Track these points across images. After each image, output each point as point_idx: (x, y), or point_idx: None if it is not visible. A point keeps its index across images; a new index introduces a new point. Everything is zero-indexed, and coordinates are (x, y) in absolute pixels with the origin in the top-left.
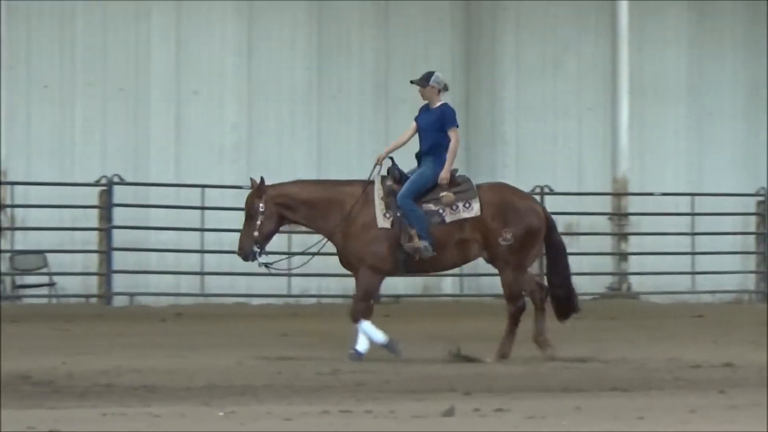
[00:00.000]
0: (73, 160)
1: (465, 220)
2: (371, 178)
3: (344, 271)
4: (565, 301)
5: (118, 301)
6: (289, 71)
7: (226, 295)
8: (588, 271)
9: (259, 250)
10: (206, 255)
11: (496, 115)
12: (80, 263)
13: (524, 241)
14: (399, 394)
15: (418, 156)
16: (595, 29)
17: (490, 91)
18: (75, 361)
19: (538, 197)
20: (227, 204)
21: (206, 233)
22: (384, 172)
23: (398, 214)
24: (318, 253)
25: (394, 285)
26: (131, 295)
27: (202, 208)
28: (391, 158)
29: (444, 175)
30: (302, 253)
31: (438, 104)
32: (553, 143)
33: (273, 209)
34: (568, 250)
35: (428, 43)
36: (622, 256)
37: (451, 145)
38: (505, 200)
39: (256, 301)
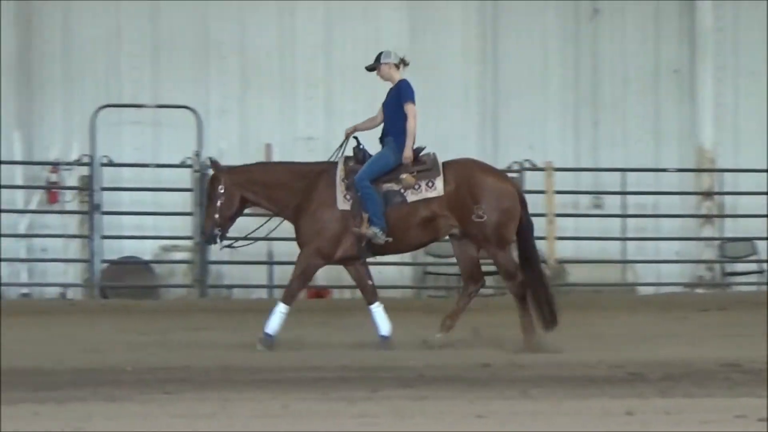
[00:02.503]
0: None
1: (429, 199)
2: (335, 159)
3: None
4: (531, 283)
5: None
6: None
7: None
8: None
9: (221, 232)
10: None
11: None
12: None
13: (500, 218)
14: None
15: (382, 138)
16: None
17: None
18: None
19: None
20: None
21: None
22: (350, 152)
23: (358, 195)
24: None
25: None
26: None
27: None
28: (356, 138)
29: (406, 154)
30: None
31: (397, 81)
32: None
33: (233, 191)
34: None
35: None
36: None
37: (408, 122)
38: (473, 177)
39: None
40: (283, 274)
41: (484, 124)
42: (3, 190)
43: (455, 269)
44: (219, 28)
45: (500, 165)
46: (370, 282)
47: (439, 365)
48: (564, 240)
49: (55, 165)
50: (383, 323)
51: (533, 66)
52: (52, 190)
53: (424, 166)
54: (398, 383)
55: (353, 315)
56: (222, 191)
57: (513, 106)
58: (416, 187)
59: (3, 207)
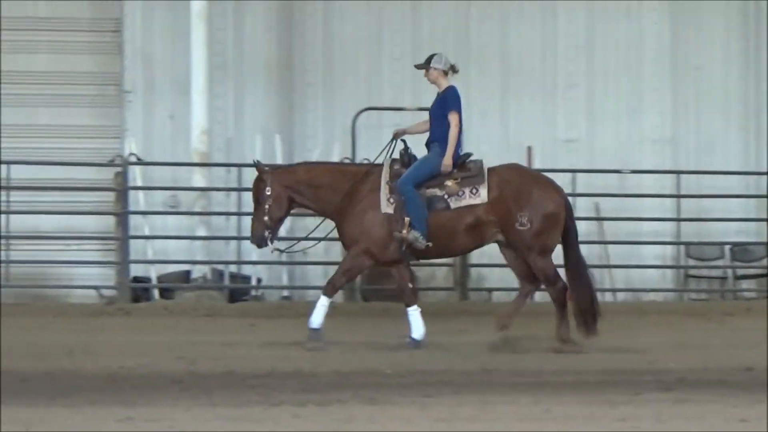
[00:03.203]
0: None
1: (473, 205)
2: (381, 162)
3: None
4: (580, 293)
5: None
6: None
7: None
8: None
9: (270, 235)
10: None
11: None
12: None
13: (543, 226)
14: None
15: (427, 143)
16: None
17: None
18: None
19: None
20: None
21: None
22: (396, 155)
23: (402, 199)
24: (325, 238)
25: None
26: None
27: None
28: (404, 141)
29: (446, 162)
30: (312, 239)
31: (444, 88)
32: None
33: (280, 193)
34: None
35: None
36: None
37: (450, 130)
38: (518, 184)
39: None
40: None
41: (746, 127)
42: None
43: (718, 272)
44: (480, 29)
45: (763, 168)
46: (410, 285)
47: (700, 368)
48: None
49: None
50: (417, 327)
51: None
52: None
53: (469, 173)
54: (659, 387)
55: (615, 318)
56: (269, 193)
57: None
58: (460, 194)
59: None
